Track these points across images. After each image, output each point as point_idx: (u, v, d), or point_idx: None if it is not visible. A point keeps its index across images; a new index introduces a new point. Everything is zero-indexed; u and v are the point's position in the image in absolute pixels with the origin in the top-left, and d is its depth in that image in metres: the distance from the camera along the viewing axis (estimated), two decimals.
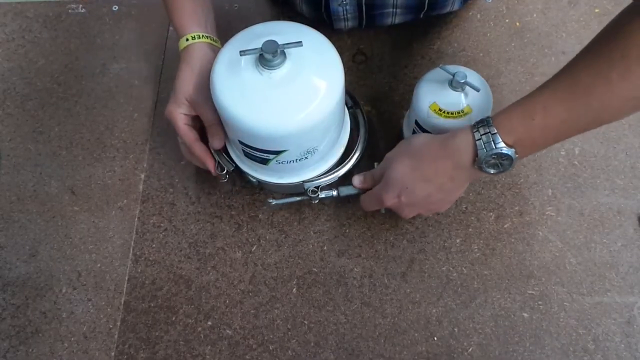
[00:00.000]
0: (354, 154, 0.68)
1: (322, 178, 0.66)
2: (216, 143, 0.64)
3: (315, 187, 0.66)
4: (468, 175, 0.56)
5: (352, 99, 0.72)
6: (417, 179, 0.57)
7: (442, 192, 0.58)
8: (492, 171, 0.54)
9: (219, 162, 0.67)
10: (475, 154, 0.53)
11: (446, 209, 0.62)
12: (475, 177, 0.57)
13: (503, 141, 0.51)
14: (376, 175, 0.63)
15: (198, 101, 0.62)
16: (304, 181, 0.66)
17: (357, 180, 0.65)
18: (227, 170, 0.66)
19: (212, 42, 0.65)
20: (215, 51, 0.62)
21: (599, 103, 0.47)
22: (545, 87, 0.50)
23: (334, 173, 0.67)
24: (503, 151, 0.51)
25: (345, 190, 0.66)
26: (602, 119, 0.49)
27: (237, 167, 0.67)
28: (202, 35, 0.64)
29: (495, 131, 0.51)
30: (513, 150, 0.51)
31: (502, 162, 0.52)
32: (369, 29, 0.82)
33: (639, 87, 0.45)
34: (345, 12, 0.75)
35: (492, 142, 0.51)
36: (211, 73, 0.56)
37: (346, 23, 0.78)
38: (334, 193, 0.66)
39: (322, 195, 0.66)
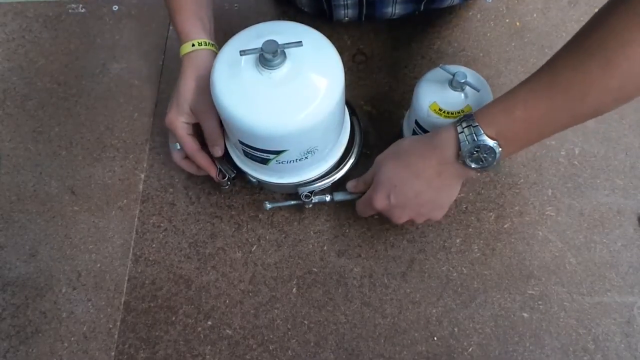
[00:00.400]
0: (348, 160, 0.69)
1: (316, 183, 0.67)
2: (217, 151, 0.64)
3: (309, 192, 0.66)
4: (454, 172, 0.56)
5: (349, 106, 0.72)
6: (405, 177, 0.57)
7: (431, 190, 0.57)
8: (473, 165, 0.53)
9: (220, 169, 0.68)
10: (459, 148, 0.53)
11: (439, 217, 0.61)
12: (462, 175, 0.57)
13: (485, 134, 0.51)
14: (367, 178, 0.63)
15: (202, 109, 0.62)
16: (299, 184, 0.66)
17: (351, 184, 0.66)
18: (228, 177, 0.68)
19: (216, 50, 0.64)
20: None
21: (579, 95, 0.47)
22: (526, 82, 0.51)
23: (328, 178, 0.67)
24: (486, 143, 0.51)
25: (339, 196, 0.67)
26: (585, 113, 0.49)
27: (238, 169, 0.67)
28: (209, 43, 0.64)
29: (477, 124, 0.52)
30: (496, 142, 0.51)
31: (486, 157, 0.52)
32: (369, 24, 0.82)
33: (618, 77, 0.45)
34: None
35: (474, 135, 0.51)
36: (211, 73, 0.56)
37: (346, 12, 0.78)
38: (327, 198, 0.67)
39: (316, 200, 0.67)
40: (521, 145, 0.54)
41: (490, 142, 0.51)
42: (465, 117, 0.53)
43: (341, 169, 0.68)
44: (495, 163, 0.53)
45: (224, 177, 0.68)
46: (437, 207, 0.60)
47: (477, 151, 0.52)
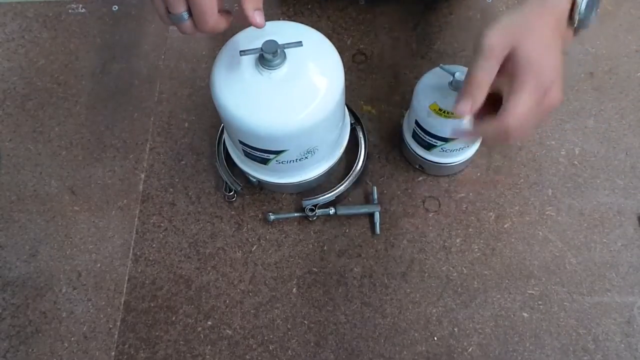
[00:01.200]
0: (352, 172, 0.69)
1: (320, 197, 0.68)
2: (258, 18, 0.47)
3: (312, 206, 0.68)
4: (564, 38, 0.47)
5: (354, 115, 0.72)
6: (555, 55, 0.45)
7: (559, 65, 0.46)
8: (591, 16, 0.47)
9: (226, 182, 0.68)
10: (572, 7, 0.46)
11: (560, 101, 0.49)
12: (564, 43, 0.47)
13: None
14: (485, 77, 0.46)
15: None
16: (299, 183, 0.66)
17: (462, 108, 0.46)
18: (235, 191, 0.69)
19: None
20: None
21: None
22: None
23: (332, 192, 0.68)
24: None
25: (342, 209, 0.68)
26: None
27: (241, 174, 0.67)
28: None
29: None
30: None
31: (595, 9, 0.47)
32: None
33: None
34: None
35: None
36: (211, 73, 0.56)
37: None
38: (331, 211, 0.68)
39: (320, 213, 0.68)
40: None
41: None
42: None
43: (345, 182, 0.69)
44: (595, 15, 0.47)
45: (230, 191, 0.69)
46: (560, 88, 0.48)
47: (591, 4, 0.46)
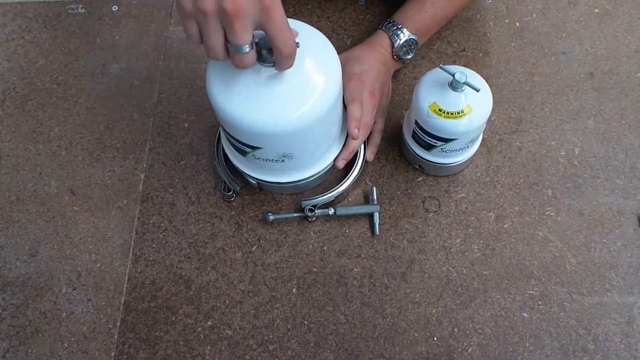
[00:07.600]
0: (352, 173, 0.69)
1: (319, 197, 0.68)
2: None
3: (312, 206, 0.67)
4: (391, 69, 0.72)
5: None
6: (375, 72, 0.67)
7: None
8: (408, 57, 0.72)
9: (225, 182, 0.68)
10: (392, 47, 0.70)
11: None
12: (392, 71, 0.73)
13: (409, 31, 0.70)
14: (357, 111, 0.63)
15: None
16: (298, 183, 0.66)
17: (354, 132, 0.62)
18: (233, 191, 0.69)
19: None
20: None
21: None
22: None
23: (331, 192, 0.68)
24: (411, 37, 0.70)
25: (342, 210, 0.68)
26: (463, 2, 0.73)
27: (239, 174, 0.67)
28: None
29: (401, 24, 0.70)
30: (416, 35, 0.70)
31: (412, 48, 0.71)
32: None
33: None
34: None
35: (402, 33, 0.70)
36: (206, 70, 0.56)
37: None
38: (331, 212, 0.68)
39: (319, 213, 0.68)
40: (429, 36, 0.74)
41: (414, 36, 0.70)
42: (390, 22, 0.70)
43: (344, 182, 0.68)
44: (416, 52, 0.72)
45: (228, 191, 0.69)
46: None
47: (406, 45, 0.70)
